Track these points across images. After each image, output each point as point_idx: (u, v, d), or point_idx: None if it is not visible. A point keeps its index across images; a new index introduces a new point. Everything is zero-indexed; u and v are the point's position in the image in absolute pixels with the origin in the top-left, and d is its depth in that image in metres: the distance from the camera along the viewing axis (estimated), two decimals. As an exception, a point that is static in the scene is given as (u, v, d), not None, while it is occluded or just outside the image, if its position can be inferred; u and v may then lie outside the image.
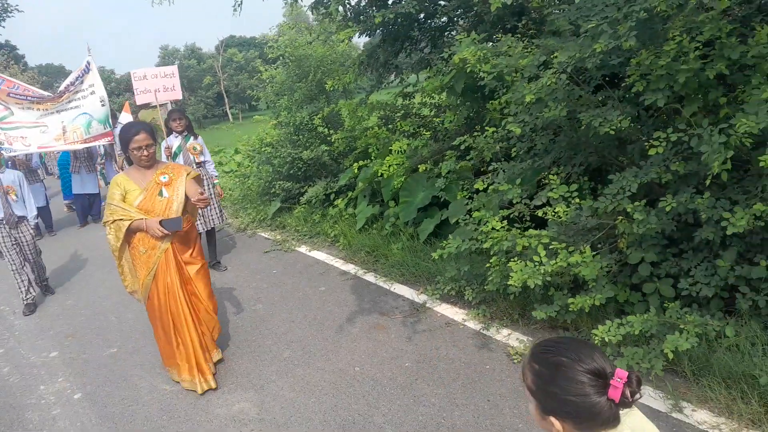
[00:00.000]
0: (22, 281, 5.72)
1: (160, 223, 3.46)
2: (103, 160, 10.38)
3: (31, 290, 5.81)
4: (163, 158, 5.44)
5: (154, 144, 3.65)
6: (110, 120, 8.93)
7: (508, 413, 3.03)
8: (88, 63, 8.68)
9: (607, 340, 2.83)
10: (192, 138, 6.02)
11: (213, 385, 3.75)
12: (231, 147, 14.67)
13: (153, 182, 3.61)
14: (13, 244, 5.71)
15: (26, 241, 5.81)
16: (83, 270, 7.15)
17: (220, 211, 6.28)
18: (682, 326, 2.84)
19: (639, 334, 3.04)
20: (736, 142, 2.76)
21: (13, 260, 5.70)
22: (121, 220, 3.50)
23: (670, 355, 2.68)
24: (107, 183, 11.30)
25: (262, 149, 8.13)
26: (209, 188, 5.98)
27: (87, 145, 8.97)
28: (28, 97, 8.62)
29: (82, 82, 8.72)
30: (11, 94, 8.44)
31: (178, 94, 6.75)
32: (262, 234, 7.53)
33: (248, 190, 8.94)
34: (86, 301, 5.93)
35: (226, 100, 51.79)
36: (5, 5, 43.07)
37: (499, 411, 3.06)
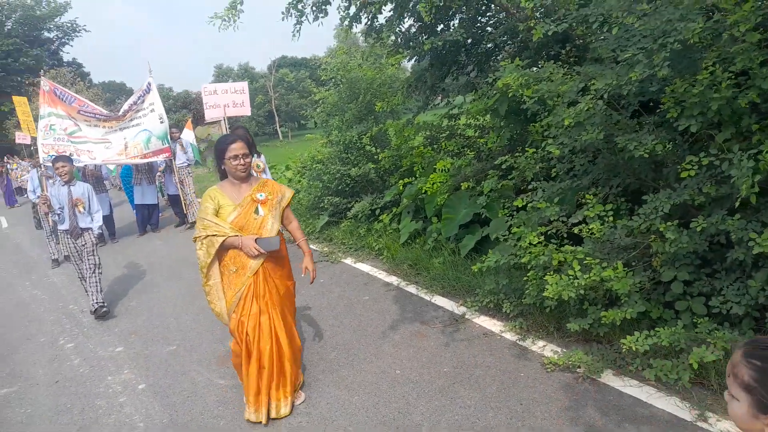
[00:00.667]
0: (90, 287, 5.97)
1: (256, 241, 3.33)
2: (162, 174, 10.96)
3: (98, 295, 5.99)
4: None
5: (251, 155, 3.52)
6: (168, 137, 9.51)
7: (540, 416, 3.21)
8: (149, 83, 9.33)
9: (634, 349, 3.01)
10: (255, 156, 5.95)
11: (264, 421, 3.52)
12: (282, 164, 15.25)
13: (249, 198, 3.44)
14: (79, 254, 6.01)
15: (87, 248, 5.98)
16: (144, 277, 7.63)
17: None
18: (709, 341, 2.98)
19: (669, 347, 3.20)
20: (765, 167, 2.92)
21: (79, 269, 6.05)
22: (214, 235, 3.33)
23: (695, 366, 2.83)
24: (164, 195, 11.96)
25: (313, 166, 8.55)
26: None
27: (146, 160, 9.52)
28: (96, 115, 9.31)
29: (143, 102, 9.35)
30: (81, 112, 9.20)
31: (248, 110, 6.81)
32: (311, 246, 7.86)
33: (298, 204, 9.35)
34: (147, 304, 6.38)
35: (277, 119, 53.18)
36: (74, 25, 45.88)
37: (531, 414, 3.25)
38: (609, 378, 3.46)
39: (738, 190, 3.03)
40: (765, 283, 3.29)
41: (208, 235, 3.34)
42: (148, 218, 10.60)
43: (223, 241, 3.33)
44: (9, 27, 41.97)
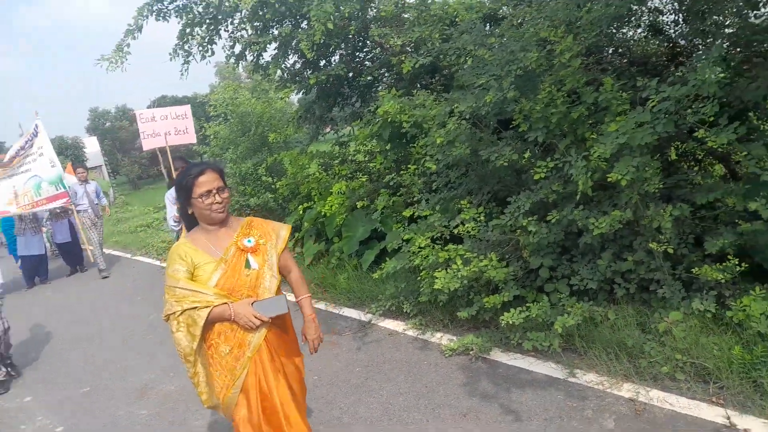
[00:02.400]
0: None
1: (253, 306, 2.46)
2: (48, 222, 10.34)
3: (2, 367, 5.35)
4: (171, 210, 5.19)
5: (227, 188, 2.59)
6: (63, 181, 8.94)
7: (442, 393, 3.74)
8: (36, 126, 8.81)
9: (511, 322, 3.62)
10: None
11: None
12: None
13: (233, 248, 2.52)
14: None
15: None
16: (42, 328, 7.38)
17: None
18: (569, 310, 3.66)
19: (542, 322, 3.85)
20: (595, 165, 3.65)
21: None
22: (194, 308, 2.40)
23: (559, 330, 3.47)
24: (51, 244, 11.42)
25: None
26: None
27: (41, 207, 8.93)
28: None
29: (31, 146, 8.85)
30: None
31: (192, 137, 5.97)
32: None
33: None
34: (49, 352, 6.22)
35: (161, 159, 51.45)
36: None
37: (435, 392, 3.76)
38: (497, 355, 4.06)
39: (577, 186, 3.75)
40: (610, 261, 4.04)
41: (185, 310, 2.41)
42: (35, 270, 9.94)
43: (208, 314, 2.41)
44: None
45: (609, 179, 3.52)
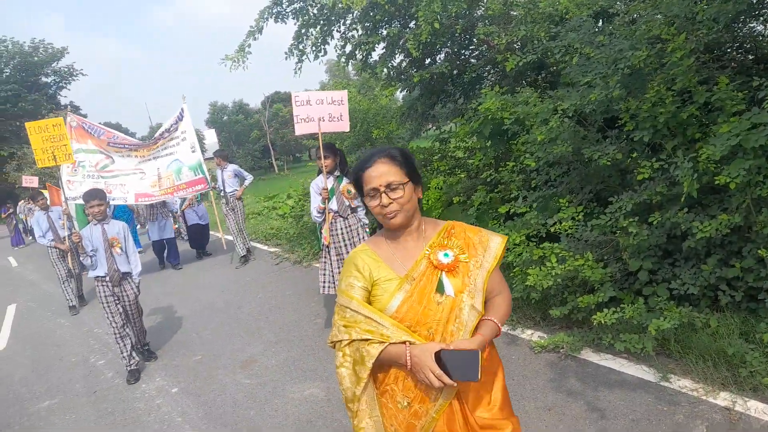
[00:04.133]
0: (125, 346, 5.20)
1: (439, 356, 1.67)
2: (178, 211, 10.67)
3: (134, 355, 5.29)
4: (316, 201, 5.01)
5: (408, 183, 1.83)
6: (203, 166, 8.81)
7: (530, 388, 3.77)
8: (182, 110, 8.75)
9: (603, 322, 3.59)
10: (345, 179, 5.14)
11: None
12: (283, 192, 15.89)
13: (424, 262, 1.84)
14: (116, 303, 5.15)
15: (129, 300, 5.25)
16: (158, 303, 8.14)
17: None
18: (666, 313, 3.56)
19: (637, 325, 3.78)
20: (703, 167, 3.53)
21: (115, 322, 5.14)
22: (365, 341, 1.79)
23: (653, 332, 3.40)
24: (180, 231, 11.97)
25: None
26: (363, 237, 5.13)
27: (180, 192, 8.90)
28: (126, 145, 8.84)
29: (176, 129, 8.78)
30: (111, 144, 8.68)
31: (346, 126, 5.35)
32: (317, 264, 8.43)
33: (303, 228, 9.93)
34: (165, 323, 6.89)
35: (272, 153, 54.07)
36: (71, 70, 46.96)
37: (523, 387, 3.81)
38: (588, 354, 4.03)
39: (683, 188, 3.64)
40: (715, 266, 3.88)
41: (354, 340, 1.82)
42: (165, 253, 10.30)
43: (380, 353, 1.76)
44: (7, 73, 42.97)
45: (717, 181, 3.39)
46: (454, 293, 1.79)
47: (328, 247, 5.12)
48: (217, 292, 7.98)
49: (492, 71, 6.74)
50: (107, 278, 5.09)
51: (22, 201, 22.05)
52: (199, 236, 10.80)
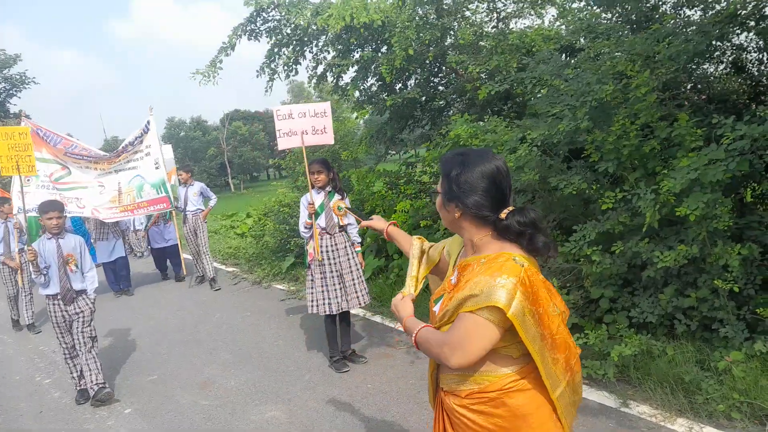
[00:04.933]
0: (74, 366, 4.93)
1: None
2: (143, 230, 10.11)
3: (84, 375, 4.89)
4: (303, 215, 4.94)
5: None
6: (166, 184, 8.29)
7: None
8: (148, 122, 8.22)
9: (568, 347, 3.65)
10: (336, 195, 5.00)
11: None
12: (242, 211, 15.67)
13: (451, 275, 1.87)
14: (67, 325, 4.85)
15: (84, 317, 4.87)
16: (116, 324, 7.86)
17: (365, 287, 5.07)
18: (627, 340, 3.67)
19: (598, 352, 3.87)
20: (664, 199, 3.68)
21: (65, 342, 4.88)
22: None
23: (615, 359, 3.49)
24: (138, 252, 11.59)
25: (280, 210, 9.08)
26: (352, 257, 5.01)
27: (141, 210, 8.36)
28: (85, 157, 8.17)
29: (141, 142, 8.24)
30: (68, 154, 8.02)
31: (330, 138, 5.25)
32: (277, 286, 8.34)
33: (263, 247, 9.80)
34: (118, 343, 6.65)
35: (229, 171, 53.51)
36: (23, 77, 45.52)
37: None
38: (551, 379, 4.08)
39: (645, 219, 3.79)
40: (672, 296, 4.03)
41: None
42: (117, 276, 9.17)
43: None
44: (-46, 78, 41.34)
45: (677, 213, 3.54)
46: (438, 311, 1.80)
47: (311, 264, 4.94)
48: (172, 311, 7.75)
49: (459, 99, 6.89)
50: (59, 297, 4.76)
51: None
52: (164, 260, 9.92)
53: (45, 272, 4.71)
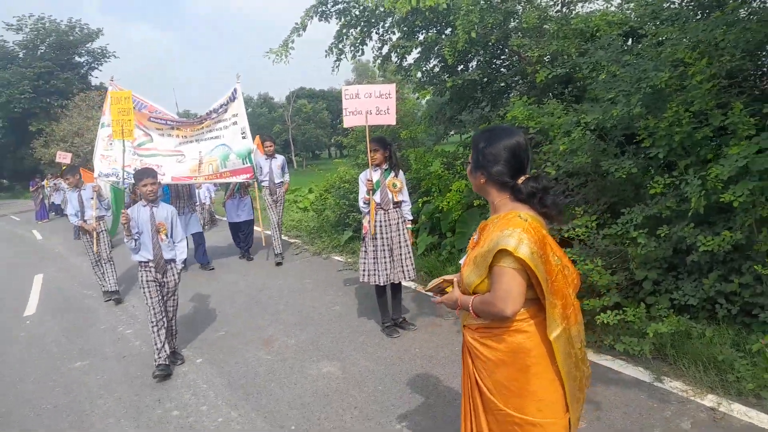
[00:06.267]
0: (159, 336, 4.90)
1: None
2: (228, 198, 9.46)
3: (167, 348, 4.96)
4: (362, 191, 5.19)
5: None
6: (252, 155, 8.07)
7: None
8: (235, 90, 8.01)
9: (606, 322, 3.85)
10: (392, 173, 5.20)
11: None
12: (305, 187, 16.26)
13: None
14: (158, 290, 4.90)
15: (169, 288, 5.01)
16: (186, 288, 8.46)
17: (412, 263, 5.31)
18: (664, 318, 3.82)
19: (637, 329, 4.03)
20: (711, 186, 3.77)
21: (154, 308, 4.88)
22: None
23: (651, 335, 3.65)
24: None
25: (341, 185, 9.47)
26: (402, 233, 5.22)
27: (222, 180, 8.23)
28: (168, 122, 8.10)
29: (225, 111, 8.03)
30: (152, 119, 7.94)
31: (392, 119, 5.36)
32: (335, 257, 8.78)
33: (323, 221, 10.26)
34: (188, 301, 7.23)
35: (293, 148, 54.65)
36: (105, 51, 47.93)
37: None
38: (589, 354, 4.24)
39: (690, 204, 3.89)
40: (715, 281, 4.11)
41: None
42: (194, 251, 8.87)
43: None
44: (42, 50, 43.98)
45: (722, 200, 3.63)
46: (463, 264, 2.15)
47: (365, 237, 5.24)
48: (239, 276, 8.31)
49: (520, 81, 7.00)
50: (152, 263, 4.85)
51: (49, 176, 22.67)
52: (242, 235, 9.52)
53: (136, 237, 4.80)
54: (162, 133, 8.03)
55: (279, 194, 8.67)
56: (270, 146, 8.62)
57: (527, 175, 2.04)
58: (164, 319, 4.94)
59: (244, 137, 7.93)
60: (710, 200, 3.87)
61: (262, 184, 8.56)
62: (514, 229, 1.88)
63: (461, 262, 2.19)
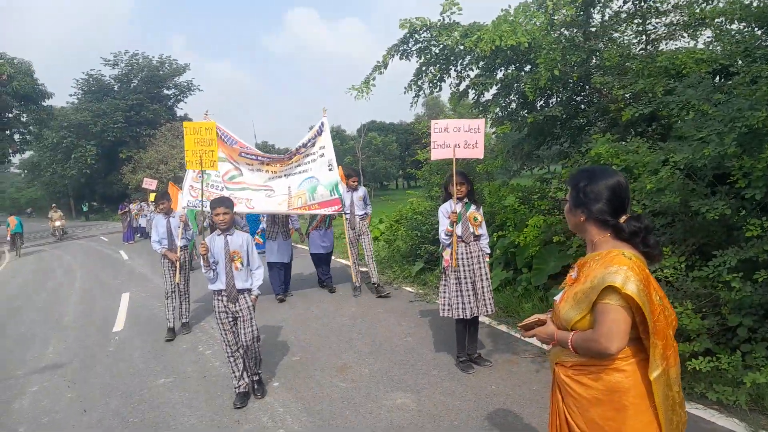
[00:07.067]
0: (236, 365, 4.94)
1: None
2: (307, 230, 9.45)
3: (245, 377, 5.00)
4: (444, 223, 5.22)
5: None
6: (339, 187, 8.07)
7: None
8: (322, 124, 8.09)
9: (698, 368, 3.68)
10: (473, 206, 5.30)
11: None
12: (375, 217, 16.49)
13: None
14: (231, 322, 4.90)
15: (243, 317, 4.90)
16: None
17: (491, 297, 5.31)
18: (764, 369, 3.61)
19: (731, 378, 3.83)
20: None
21: (227, 340, 4.90)
22: None
23: (748, 384, 3.46)
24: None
25: (413, 217, 9.57)
26: (483, 266, 5.26)
27: (312, 212, 8.16)
28: (259, 158, 8.23)
29: (313, 144, 8.12)
30: (242, 154, 8.08)
31: (480, 153, 5.33)
32: (406, 288, 8.83)
33: (394, 251, 10.36)
34: (264, 326, 7.45)
35: (362, 179, 55.37)
36: (190, 85, 50.95)
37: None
38: (678, 401, 4.09)
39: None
40: (819, 331, 3.87)
41: None
42: (285, 279, 8.97)
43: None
44: (135, 84, 47.35)
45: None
46: (558, 300, 2.17)
47: (446, 270, 5.24)
48: (312, 302, 8.50)
49: (601, 118, 6.91)
50: (224, 293, 4.84)
51: (136, 201, 24.08)
52: (323, 265, 9.45)
53: (214, 267, 4.81)
54: (252, 168, 8.19)
55: (362, 227, 8.58)
56: (354, 181, 8.58)
57: (628, 215, 2.05)
58: (239, 349, 4.95)
59: (330, 169, 8.04)
60: (813, 245, 3.68)
61: (346, 217, 8.53)
62: (620, 267, 1.89)
63: (556, 298, 2.20)
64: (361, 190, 8.71)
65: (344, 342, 6.36)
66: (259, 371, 5.17)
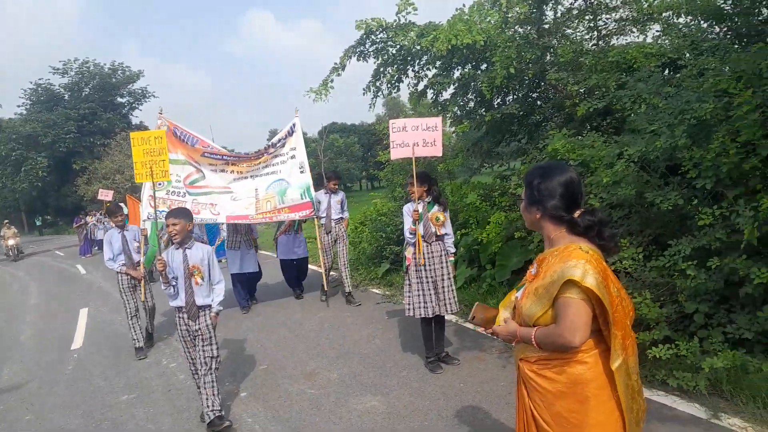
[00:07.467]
0: (202, 389, 4.53)
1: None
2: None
3: (214, 402, 4.51)
4: (408, 222, 5.20)
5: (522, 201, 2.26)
6: (311, 190, 7.81)
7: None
8: (293, 125, 7.80)
9: (658, 356, 3.76)
10: (436, 206, 5.26)
11: None
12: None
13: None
14: (192, 340, 4.57)
15: (203, 336, 4.51)
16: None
17: (455, 296, 5.33)
18: (719, 353, 3.72)
19: (690, 363, 3.93)
20: (764, 216, 3.71)
21: (190, 358, 4.64)
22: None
23: (707, 370, 3.56)
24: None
25: (378, 218, 9.55)
26: (446, 266, 5.28)
27: (281, 216, 7.89)
28: (224, 157, 7.81)
29: (283, 145, 7.81)
30: (205, 154, 7.65)
31: (439, 151, 5.43)
32: (373, 290, 8.81)
33: (360, 254, 10.32)
34: (230, 333, 7.31)
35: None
36: (145, 92, 49.79)
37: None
38: (641, 389, 4.18)
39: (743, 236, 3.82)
40: (772, 313, 4.00)
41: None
42: (247, 291, 8.63)
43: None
44: (86, 92, 45.93)
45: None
46: (520, 297, 2.18)
47: (409, 269, 5.25)
48: (278, 308, 8.39)
49: (557, 114, 7.03)
50: (184, 310, 4.51)
51: (94, 213, 23.41)
52: (294, 273, 9.09)
53: (174, 283, 4.49)
54: (215, 168, 7.77)
55: (339, 231, 8.33)
56: (335, 184, 8.35)
57: (582, 209, 2.09)
58: (202, 369, 4.52)
59: (302, 171, 7.77)
60: (763, 231, 3.80)
61: (321, 221, 8.20)
62: (578, 260, 1.91)
63: (517, 295, 2.21)
64: (340, 194, 8.49)
65: (312, 348, 6.29)
66: (219, 409, 4.48)
